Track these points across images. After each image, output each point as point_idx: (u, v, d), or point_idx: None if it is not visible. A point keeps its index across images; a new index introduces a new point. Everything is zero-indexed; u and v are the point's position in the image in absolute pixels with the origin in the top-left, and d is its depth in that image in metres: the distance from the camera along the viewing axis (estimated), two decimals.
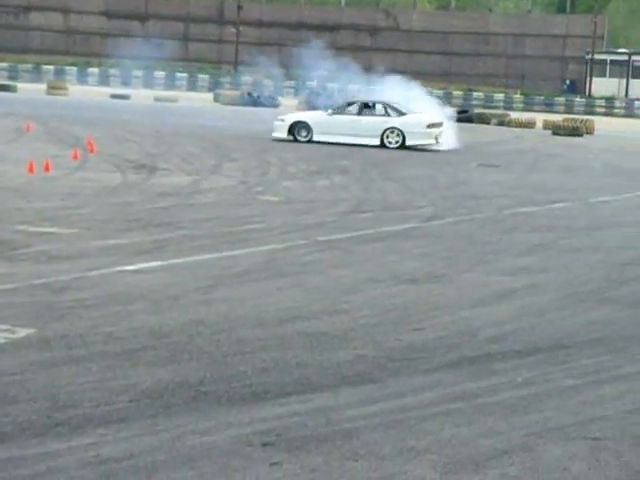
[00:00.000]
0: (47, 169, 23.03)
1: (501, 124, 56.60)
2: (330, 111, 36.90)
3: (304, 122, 36.62)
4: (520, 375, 9.25)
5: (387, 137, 35.69)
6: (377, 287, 12.88)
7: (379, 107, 36.69)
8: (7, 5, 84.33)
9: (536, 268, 14.78)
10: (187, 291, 12.02)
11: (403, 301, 12.15)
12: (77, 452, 6.91)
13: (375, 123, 36.15)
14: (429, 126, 35.87)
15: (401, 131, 35.57)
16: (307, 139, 35.96)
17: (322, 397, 8.32)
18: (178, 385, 8.42)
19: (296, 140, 35.85)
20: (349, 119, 36.17)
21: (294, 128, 36.35)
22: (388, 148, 35.18)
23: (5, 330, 9.79)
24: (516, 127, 55.56)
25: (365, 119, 36.19)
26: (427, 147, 35.87)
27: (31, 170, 22.56)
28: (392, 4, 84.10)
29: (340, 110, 36.95)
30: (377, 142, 35.58)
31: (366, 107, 36.71)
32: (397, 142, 35.54)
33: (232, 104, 62.90)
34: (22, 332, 9.76)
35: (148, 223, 16.94)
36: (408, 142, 35.49)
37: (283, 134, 36.32)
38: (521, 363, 9.67)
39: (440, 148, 35.74)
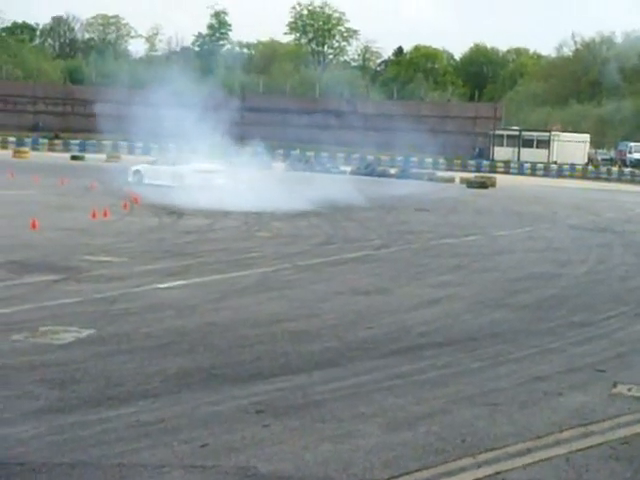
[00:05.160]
0: (105, 215, 22.97)
1: (430, 179, 56.58)
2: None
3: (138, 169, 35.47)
4: (441, 360, 9.28)
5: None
6: (340, 297, 12.88)
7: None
8: (76, 98, 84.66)
9: (454, 283, 14.81)
10: (203, 301, 12.01)
11: (358, 307, 12.16)
12: (124, 418, 6.91)
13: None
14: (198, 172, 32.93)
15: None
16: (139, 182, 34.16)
17: (300, 377, 8.33)
18: (196, 369, 8.41)
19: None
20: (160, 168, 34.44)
21: (135, 174, 35.25)
22: None
23: (74, 331, 9.78)
24: (441, 182, 55.61)
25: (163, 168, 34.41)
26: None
27: (94, 216, 22.50)
28: (353, 95, 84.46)
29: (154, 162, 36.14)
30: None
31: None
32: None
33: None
34: (85, 332, 9.76)
35: (176, 253, 16.91)
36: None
37: (130, 178, 34.90)
38: (442, 351, 9.70)
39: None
